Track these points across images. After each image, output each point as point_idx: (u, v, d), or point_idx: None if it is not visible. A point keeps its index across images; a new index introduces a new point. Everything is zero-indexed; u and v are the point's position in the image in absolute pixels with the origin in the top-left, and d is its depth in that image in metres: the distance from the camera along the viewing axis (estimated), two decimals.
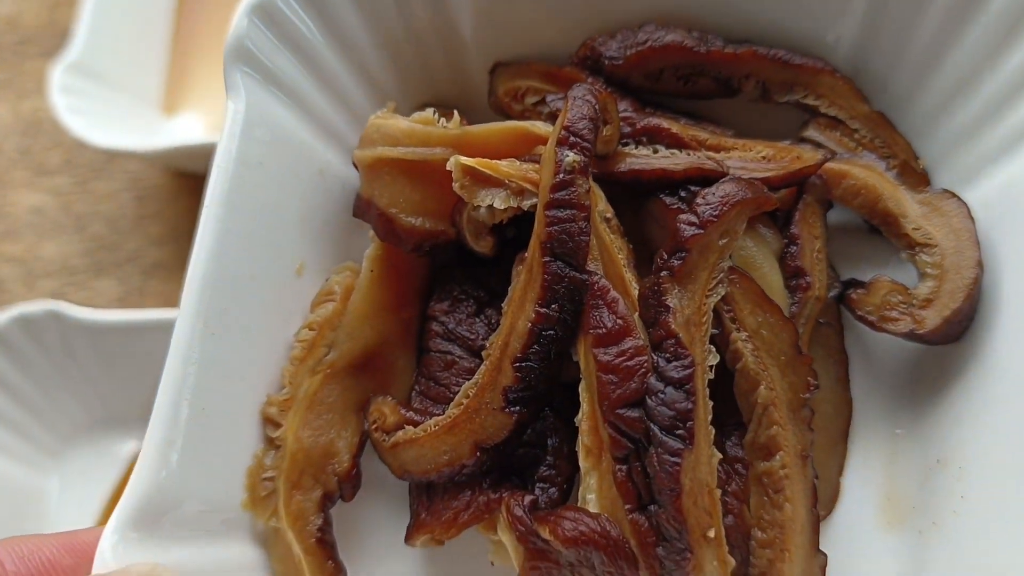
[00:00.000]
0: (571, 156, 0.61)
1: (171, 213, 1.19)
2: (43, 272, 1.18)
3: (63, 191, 1.21)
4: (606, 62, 0.72)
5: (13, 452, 0.99)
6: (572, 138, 0.62)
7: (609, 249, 0.64)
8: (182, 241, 1.16)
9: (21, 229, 1.19)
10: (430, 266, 0.72)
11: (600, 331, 0.59)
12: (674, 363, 0.56)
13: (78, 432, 1.04)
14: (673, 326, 0.57)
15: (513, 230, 0.68)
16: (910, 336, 0.63)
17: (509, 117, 0.76)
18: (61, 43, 1.16)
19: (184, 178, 1.21)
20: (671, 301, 0.58)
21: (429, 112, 0.69)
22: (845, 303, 0.66)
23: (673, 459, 0.54)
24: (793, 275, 0.64)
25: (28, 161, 1.23)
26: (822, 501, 0.63)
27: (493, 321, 0.68)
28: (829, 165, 0.67)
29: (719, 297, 0.60)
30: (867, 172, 0.68)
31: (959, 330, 0.63)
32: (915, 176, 0.68)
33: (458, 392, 0.63)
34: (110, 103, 1.15)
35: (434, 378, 0.67)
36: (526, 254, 0.63)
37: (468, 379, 0.64)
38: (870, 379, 0.69)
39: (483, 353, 0.63)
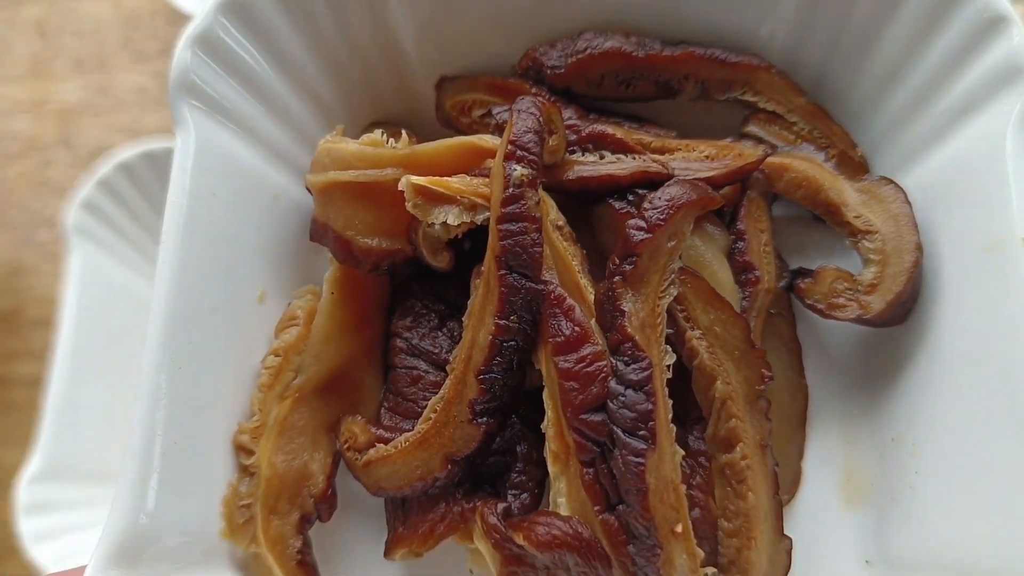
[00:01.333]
0: (519, 170, 0.62)
1: None
2: (149, 139, 1.27)
3: (162, 74, 1.33)
4: (548, 71, 0.73)
5: (140, 270, 1.13)
6: (519, 152, 0.63)
7: (563, 257, 0.65)
8: None
9: (126, 105, 1.32)
10: (390, 282, 0.73)
11: (559, 339, 0.60)
12: (632, 366, 0.58)
13: None
14: (629, 330, 0.59)
15: (469, 242, 0.69)
16: (858, 320, 0.66)
17: (457, 131, 0.77)
18: None
19: None
20: (626, 305, 0.60)
21: (377, 133, 0.70)
22: (794, 292, 0.69)
23: (637, 459, 0.56)
24: (742, 270, 0.66)
25: (129, 49, 1.36)
26: (784, 486, 0.65)
27: (455, 334, 0.69)
28: (770, 159, 0.69)
29: (672, 298, 0.62)
30: (807, 164, 0.70)
31: (904, 312, 0.65)
32: (853, 165, 0.70)
33: (426, 407, 0.65)
34: None
35: (401, 394, 0.68)
36: (483, 268, 0.64)
37: (435, 393, 0.65)
38: (824, 365, 0.71)
39: (447, 367, 0.65)
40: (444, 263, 0.68)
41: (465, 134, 0.76)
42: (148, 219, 1.14)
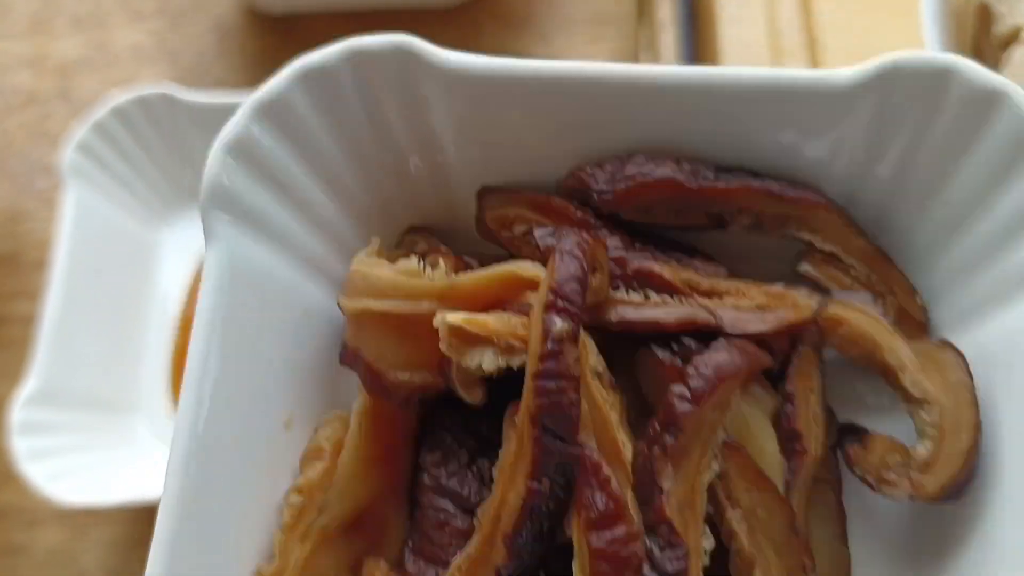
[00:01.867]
0: (559, 324, 0.59)
1: (251, 47, 1.42)
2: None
3: (156, 31, 1.43)
4: (595, 195, 0.70)
5: (132, 210, 1.20)
6: (560, 302, 0.60)
7: (601, 410, 0.62)
8: (257, 71, 1.35)
9: (122, 61, 1.41)
10: (420, 411, 0.70)
11: (592, 513, 0.58)
12: (668, 552, 0.56)
13: (181, 200, 1.25)
14: (667, 511, 0.56)
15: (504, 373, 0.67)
16: (908, 499, 0.62)
17: (498, 243, 0.74)
18: None
19: (260, 18, 1.44)
20: (665, 483, 0.57)
21: (414, 260, 0.67)
22: (843, 456, 0.65)
23: None
24: (788, 437, 0.63)
25: (124, 8, 1.45)
26: None
27: (485, 475, 0.67)
28: (824, 312, 0.66)
29: (714, 474, 0.59)
30: (863, 318, 0.66)
31: (958, 492, 0.62)
32: (912, 323, 0.67)
33: (452, 555, 0.63)
34: None
35: (427, 536, 0.66)
36: (516, 416, 0.61)
37: (461, 541, 0.63)
38: (869, 533, 0.68)
39: (474, 521, 0.63)
40: (478, 399, 0.66)
41: (506, 248, 0.74)
42: (139, 161, 1.20)
